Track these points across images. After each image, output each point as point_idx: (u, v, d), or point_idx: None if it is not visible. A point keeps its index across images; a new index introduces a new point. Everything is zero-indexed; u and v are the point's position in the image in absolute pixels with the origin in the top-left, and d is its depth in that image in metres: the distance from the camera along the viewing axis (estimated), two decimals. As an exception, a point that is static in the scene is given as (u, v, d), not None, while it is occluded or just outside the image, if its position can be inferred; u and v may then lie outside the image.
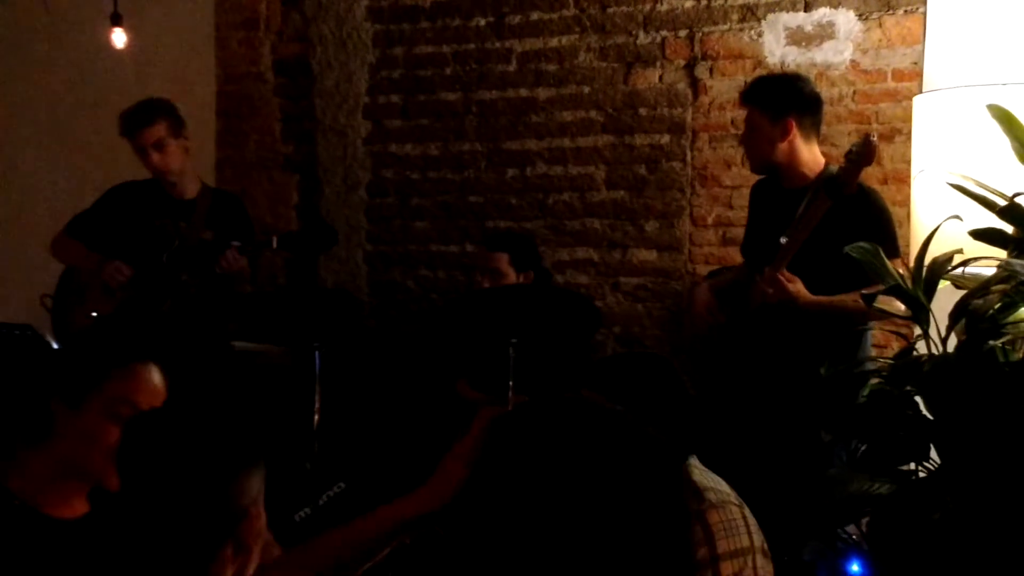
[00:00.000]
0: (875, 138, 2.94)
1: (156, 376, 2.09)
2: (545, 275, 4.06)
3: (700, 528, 2.00)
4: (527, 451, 1.24)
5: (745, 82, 4.12)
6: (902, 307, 2.96)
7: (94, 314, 3.86)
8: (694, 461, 2.13)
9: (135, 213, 3.93)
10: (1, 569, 1.86)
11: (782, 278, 3.04)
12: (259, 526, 1.65)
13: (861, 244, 2.86)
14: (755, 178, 3.51)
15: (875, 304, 2.82)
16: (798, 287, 3.05)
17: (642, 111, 4.38)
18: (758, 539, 2.02)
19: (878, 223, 3.12)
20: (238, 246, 3.77)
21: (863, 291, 2.96)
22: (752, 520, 2.04)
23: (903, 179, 3.81)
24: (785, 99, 3.22)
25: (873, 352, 3.66)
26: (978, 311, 2.50)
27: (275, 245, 3.84)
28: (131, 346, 2.11)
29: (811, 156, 3.25)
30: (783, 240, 3.03)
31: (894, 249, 3.12)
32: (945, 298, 2.68)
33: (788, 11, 4.12)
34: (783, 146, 3.22)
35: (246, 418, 1.68)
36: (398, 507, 1.74)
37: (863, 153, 2.90)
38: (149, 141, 3.84)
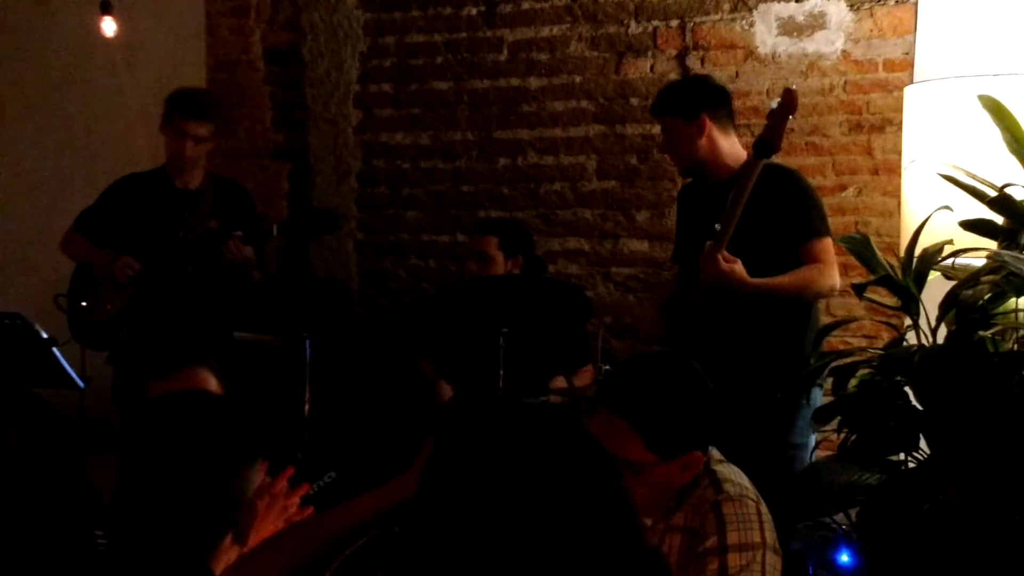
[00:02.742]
0: (795, 87, 2.97)
1: (201, 378, 2.09)
2: (537, 262, 4.05)
3: (713, 517, 2.01)
4: (465, 449, 1.23)
5: (737, 72, 4.15)
6: (834, 261, 3.11)
7: (108, 307, 3.84)
8: (715, 453, 2.14)
9: (140, 205, 3.89)
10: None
11: (719, 256, 3.02)
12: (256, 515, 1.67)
13: (852, 235, 2.88)
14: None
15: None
16: (736, 267, 3.03)
17: (633, 101, 4.37)
18: (771, 537, 2.03)
19: (804, 197, 3.18)
20: (240, 235, 3.75)
21: (852, 284, 2.99)
22: (768, 517, 2.04)
23: (894, 170, 3.82)
24: (694, 98, 3.29)
25: (864, 343, 3.68)
26: (968, 302, 2.50)
27: (275, 232, 3.82)
28: (170, 354, 2.12)
29: (731, 148, 3.30)
30: (718, 226, 3.02)
31: (824, 226, 3.17)
32: (935, 289, 2.69)
33: (779, 1, 4.10)
34: (703, 143, 3.26)
35: (248, 411, 1.69)
36: (372, 497, 1.76)
37: (785, 104, 2.88)
38: (195, 132, 3.85)
